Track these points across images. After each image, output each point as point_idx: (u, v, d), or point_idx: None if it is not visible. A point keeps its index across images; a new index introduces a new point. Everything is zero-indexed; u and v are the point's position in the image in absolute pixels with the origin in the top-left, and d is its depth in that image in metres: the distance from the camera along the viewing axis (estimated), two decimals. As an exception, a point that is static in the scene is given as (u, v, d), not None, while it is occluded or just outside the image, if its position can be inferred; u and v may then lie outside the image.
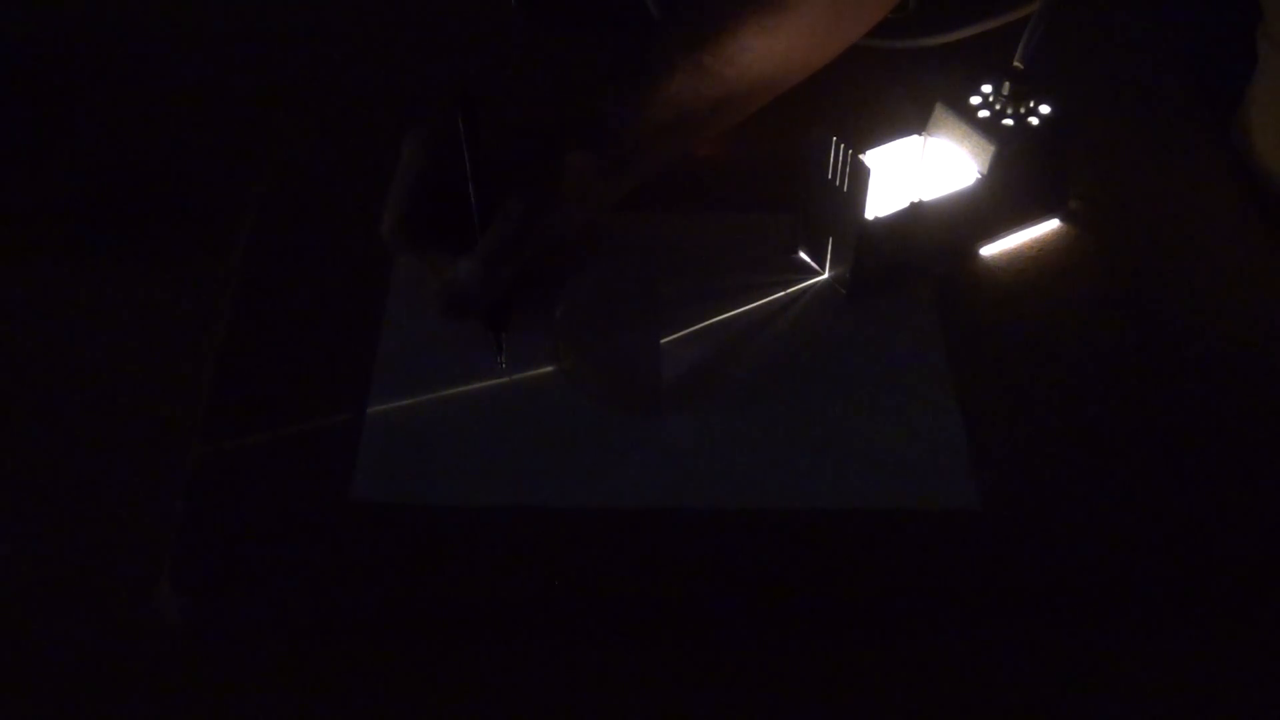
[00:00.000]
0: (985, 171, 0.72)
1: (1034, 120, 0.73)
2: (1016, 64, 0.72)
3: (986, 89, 0.74)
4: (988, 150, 0.72)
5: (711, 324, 0.71)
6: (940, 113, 0.73)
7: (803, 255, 0.74)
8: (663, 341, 0.70)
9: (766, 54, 0.73)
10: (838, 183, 0.69)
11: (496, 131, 0.66)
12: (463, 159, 0.65)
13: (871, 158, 0.72)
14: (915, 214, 0.70)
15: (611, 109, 0.69)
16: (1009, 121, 0.72)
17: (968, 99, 0.73)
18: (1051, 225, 0.77)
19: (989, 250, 0.75)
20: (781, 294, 0.73)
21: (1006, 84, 0.73)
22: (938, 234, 0.72)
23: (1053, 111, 0.73)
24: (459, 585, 0.61)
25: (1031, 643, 0.61)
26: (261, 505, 0.63)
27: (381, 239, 0.66)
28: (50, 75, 0.87)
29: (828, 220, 0.72)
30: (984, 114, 0.73)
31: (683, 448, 0.65)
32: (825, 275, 0.74)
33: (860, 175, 0.67)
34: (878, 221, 0.69)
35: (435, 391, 0.68)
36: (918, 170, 0.74)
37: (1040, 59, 0.72)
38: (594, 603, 0.61)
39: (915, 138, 0.75)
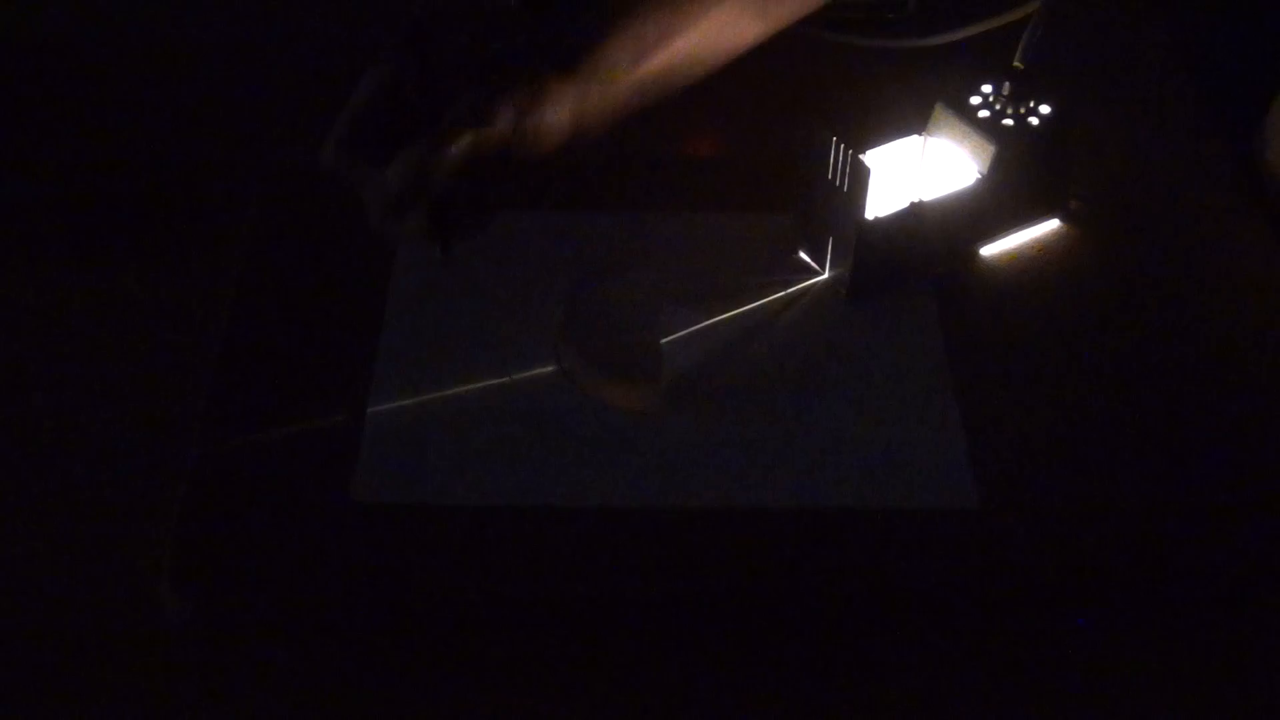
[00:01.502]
0: (985, 171, 0.72)
1: (1034, 120, 0.73)
2: (1016, 64, 0.72)
3: (986, 89, 0.74)
4: (988, 150, 0.72)
5: (711, 324, 0.71)
6: (940, 113, 0.73)
7: (803, 255, 0.74)
8: (663, 342, 0.70)
9: None
10: (838, 183, 0.69)
11: (450, 60, 0.64)
12: (415, 88, 0.63)
13: (871, 158, 0.72)
14: (915, 214, 0.70)
15: (566, 25, 0.66)
16: (1009, 121, 0.72)
17: (968, 99, 0.73)
18: (1051, 225, 0.77)
19: (989, 250, 0.75)
20: (781, 294, 0.73)
21: (1006, 84, 0.73)
22: (938, 234, 0.72)
23: (1053, 111, 0.73)
24: (459, 585, 0.61)
25: (1031, 642, 0.61)
26: (261, 505, 0.63)
27: (321, 163, 0.63)
28: (51, 76, 0.87)
29: (828, 220, 0.71)
30: (984, 114, 0.73)
31: (683, 448, 0.65)
32: (825, 275, 0.74)
33: (860, 175, 0.67)
34: (878, 221, 0.69)
35: (435, 391, 0.68)
36: (918, 170, 0.74)
37: (1040, 59, 0.72)
38: (594, 603, 0.61)
39: (915, 138, 0.75)
